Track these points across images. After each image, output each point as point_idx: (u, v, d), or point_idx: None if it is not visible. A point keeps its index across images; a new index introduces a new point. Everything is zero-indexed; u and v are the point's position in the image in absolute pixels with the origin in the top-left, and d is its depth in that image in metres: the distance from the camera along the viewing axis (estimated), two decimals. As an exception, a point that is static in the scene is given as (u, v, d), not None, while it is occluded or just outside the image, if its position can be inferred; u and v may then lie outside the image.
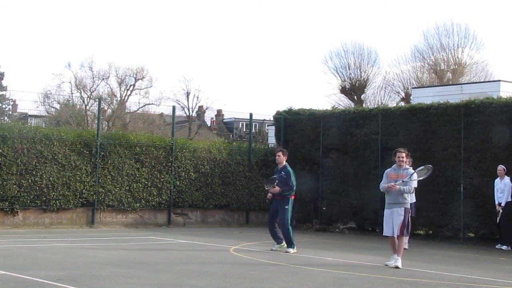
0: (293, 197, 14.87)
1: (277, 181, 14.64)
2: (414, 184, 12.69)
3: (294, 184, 14.67)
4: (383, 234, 12.83)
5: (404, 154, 12.80)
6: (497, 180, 17.43)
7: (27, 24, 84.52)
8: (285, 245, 14.75)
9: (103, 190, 19.92)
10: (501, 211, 17.07)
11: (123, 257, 12.88)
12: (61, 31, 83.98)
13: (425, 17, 75.30)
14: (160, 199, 21.06)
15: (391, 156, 19.86)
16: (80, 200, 19.60)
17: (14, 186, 18.41)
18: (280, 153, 14.99)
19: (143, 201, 20.72)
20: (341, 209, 21.87)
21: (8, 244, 14.42)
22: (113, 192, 20.12)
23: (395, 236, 12.49)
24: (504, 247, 17.22)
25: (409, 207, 12.75)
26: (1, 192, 18.23)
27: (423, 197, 19.35)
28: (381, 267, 12.37)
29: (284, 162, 14.96)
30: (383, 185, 12.77)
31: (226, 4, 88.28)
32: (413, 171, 12.74)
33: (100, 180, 19.85)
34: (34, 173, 18.74)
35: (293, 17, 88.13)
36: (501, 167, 17.31)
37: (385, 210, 12.75)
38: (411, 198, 14.20)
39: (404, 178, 12.55)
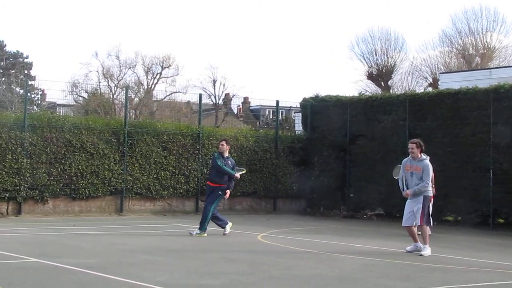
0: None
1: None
2: (429, 176, 12.31)
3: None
4: (402, 225, 12.68)
5: (414, 145, 12.43)
6: None
7: (55, 14, 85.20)
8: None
9: (131, 178, 20.07)
10: None
11: (152, 244, 12.97)
12: (88, 20, 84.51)
13: (453, 1, 74.35)
14: (188, 186, 21.16)
15: (419, 142, 19.84)
16: (109, 188, 19.78)
17: (44, 174, 18.64)
18: (224, 142, 15.10)
19: (171, 189, 20.84)
20: (368, 196, 21.78)
21: (39, 232, 14.63)
22: (141, 180, 20.26)
23: (413, 225, 12.38)
24: None
25: (430, 195, 12.40)
26: (31, 181, 18.46)
27: (452, 184, 19.25)
28: (410, 254, 12.29)
29: (227, 152, 15.10)
30: (400, 185, 12.61)
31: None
32: (428, 163, 12.38)
33: (128, 168, 20.00)
34: (63, 161, 18.94)
35: (320, 2, 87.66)
36: None
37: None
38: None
39: (418, 171, 12.28)
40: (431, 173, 12.46)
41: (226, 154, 15.01)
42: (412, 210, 12.41)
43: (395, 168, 13.46)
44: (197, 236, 14.42)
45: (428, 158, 12.60)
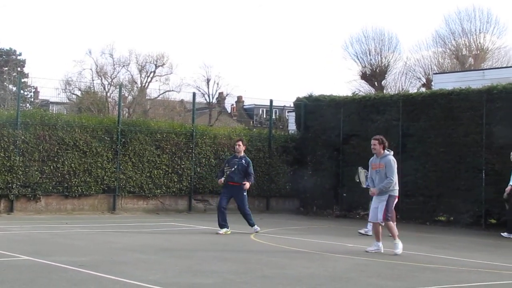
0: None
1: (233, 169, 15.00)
2: (393, 171, 12.08)
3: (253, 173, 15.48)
4: (368, 220, 12.70)
5: (376, 141, 12.30)
6: None
7: (48, 11, 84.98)
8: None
9: (124, 177, 20.05)
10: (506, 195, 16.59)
11: (145, 243, 12.97)
12: (82, 18, 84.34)
13: (447, 1, 74.53)
14: (181, 185, 21.15)
15: (412, 143, 20.00)
16: (102, 186, 19.75)
17: (36, 172, 18.60)
18: (240, 142, 15.31)
19: (164, 188, 20.83)
20: (361, 196, 21.70)
21: (31, 230, 14.60)
22: (134, 178, 20.24)
23: (379, 222, 12.20)
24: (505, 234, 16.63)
25: (395, 194, 12.18)
26: (24, 179, 18.42)
27: (444, 184, 19.32)
28: (402, 254, 12.30)
29: (243, 152, 15.32)
30: (370, 184, 12.59)
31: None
32: (390, 159, 12.18)
33: (121, 167, 19.98)
34: (56, 159, 18.91)
35: (315, 2, 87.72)
36: None
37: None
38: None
39: (382, 169, 12.12)
40: (395, 169, 12.19)
41: (242, 154, 15.19)
42: (377, 206, 12.26)
43: (360, 172, 13.62)
44: (258, 232, 15.16)
45: (392, 153, 12.41)
